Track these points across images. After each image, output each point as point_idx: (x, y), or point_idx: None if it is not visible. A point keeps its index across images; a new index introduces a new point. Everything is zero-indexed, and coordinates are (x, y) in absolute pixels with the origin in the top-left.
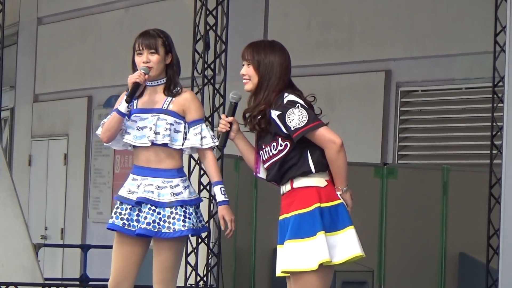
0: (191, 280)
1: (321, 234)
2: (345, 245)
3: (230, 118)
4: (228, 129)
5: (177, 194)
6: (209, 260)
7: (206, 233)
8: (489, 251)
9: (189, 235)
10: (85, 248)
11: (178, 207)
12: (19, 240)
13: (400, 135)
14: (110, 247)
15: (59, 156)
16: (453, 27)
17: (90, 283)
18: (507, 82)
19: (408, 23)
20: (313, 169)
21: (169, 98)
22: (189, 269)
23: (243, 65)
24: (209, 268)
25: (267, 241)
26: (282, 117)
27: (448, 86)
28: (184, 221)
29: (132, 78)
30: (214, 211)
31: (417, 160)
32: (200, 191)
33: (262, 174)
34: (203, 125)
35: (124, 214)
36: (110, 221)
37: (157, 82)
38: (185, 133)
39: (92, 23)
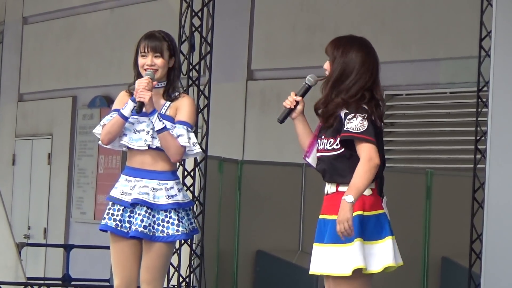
0: (174, 281)
1: (358, 241)
2: (381, 255)
3: (298, 98)
4: (293, 107)
5: (172, 196)
6: (192, 262)
7: None
8: (471, 256)
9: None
10: (67, 247)
11: (172, 211)
12: (1, 239)
13: (384, 138)
14: (93, 247)
15: (43, 156)
16: (438, 31)
17: (73, 282)
18: (491, 87)
19: (393, 27)
20: None
21: (168, 103)
22: (171, 270)
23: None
24: (191, 269)
25: (250, 242)
26: (345, 117)
27: (433, 90)
28: (178, 225)
29: (141, 93)
30: (197, 212)
31: (401, 164)
32: None
33: (311, 160)
34: (185, 127)
35: (117, 215)
36: (103, 222)
37: (158, 85)
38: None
39: (78, 23)
